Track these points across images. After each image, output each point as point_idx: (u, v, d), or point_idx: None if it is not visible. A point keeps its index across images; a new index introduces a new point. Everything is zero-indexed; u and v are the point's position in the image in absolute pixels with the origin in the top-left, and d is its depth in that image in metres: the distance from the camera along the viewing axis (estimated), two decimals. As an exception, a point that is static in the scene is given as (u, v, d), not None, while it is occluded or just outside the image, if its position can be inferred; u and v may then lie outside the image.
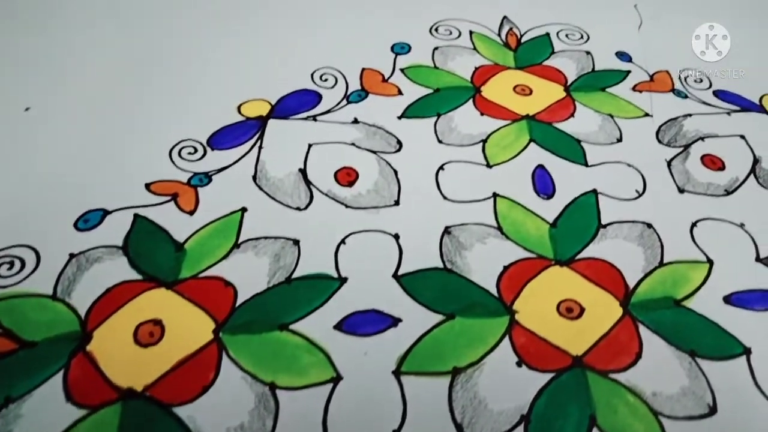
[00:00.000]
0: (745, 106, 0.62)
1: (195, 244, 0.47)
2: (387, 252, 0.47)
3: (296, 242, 0.47)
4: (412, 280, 0.46)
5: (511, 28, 0.69)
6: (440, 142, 0.56)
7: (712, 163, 0.56)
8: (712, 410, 0.40)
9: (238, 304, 0.43)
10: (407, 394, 0.40)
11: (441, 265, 0.46)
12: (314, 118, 0.58)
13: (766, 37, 0.71)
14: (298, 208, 0.50)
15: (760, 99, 0.63)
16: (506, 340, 0.42)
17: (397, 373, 0.41)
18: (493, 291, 0.45)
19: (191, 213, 0.49)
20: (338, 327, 0.42)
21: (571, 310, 0.44)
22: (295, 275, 0.45)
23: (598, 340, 0.42)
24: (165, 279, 0.44)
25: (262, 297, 0.44)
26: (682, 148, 0.57)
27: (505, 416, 0.39)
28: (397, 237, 0.48)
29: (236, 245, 0.47)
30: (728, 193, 0.54)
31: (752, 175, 0.55)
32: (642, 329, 0.43)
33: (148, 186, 0.51)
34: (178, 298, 0.44)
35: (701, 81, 0.64)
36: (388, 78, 0.62)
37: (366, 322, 0.43)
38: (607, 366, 0.41)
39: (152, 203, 0.50)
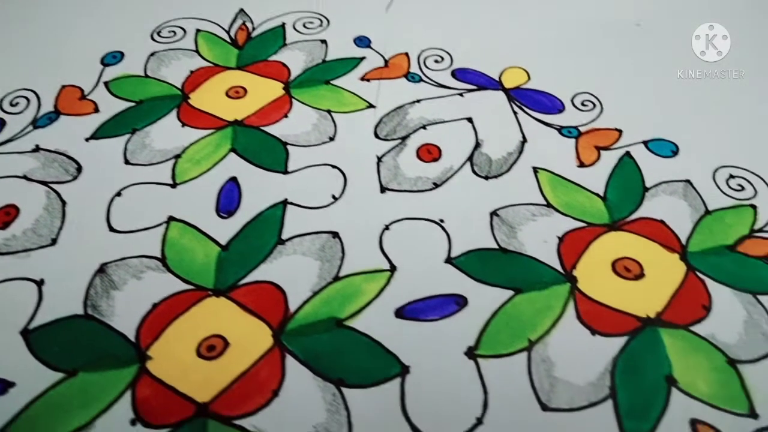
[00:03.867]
0: (482, 84, 0.58)
1: None
2: (28, 300, 0.42)
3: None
4: (45, 332, 0.40)
5: (244, 23, 0.63)
6: (127, 163, 0.51)
7: (428, 153, 0.52)
8: (345, 448, 0.36)
9: None
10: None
11: (82, 312, 0.42)
12: (-11, 150, 0.52)
13: (504, 8, 0.67)
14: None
15: (500, 74, 0.59)
16: (128, 393, 0.38)
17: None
18: (132, 335, 0.40)
19: None
20: None
21: (212, 348, 0.40)
22: None
23: (226, 387, 0.38)
24: None
25: None
26: (399, 140, 0.53)
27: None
28: (41, 283, 0.43)
29: None
30: (437, 186, 0.50)
31: (468, 163, 0.51)
32: (288, 360, 0.39)
33: None
34: None
35: (442, 60, 0.60)
36: (88, 94, 0.56)
37: None
38: (234, 411, 0.37)
39: None
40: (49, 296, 0.42)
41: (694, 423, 0.37)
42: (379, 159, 0.51)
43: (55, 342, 0.40)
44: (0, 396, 0.38)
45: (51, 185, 0.49)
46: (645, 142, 0.53)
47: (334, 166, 0.50)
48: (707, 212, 0.48)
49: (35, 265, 0.44)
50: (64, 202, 0.48)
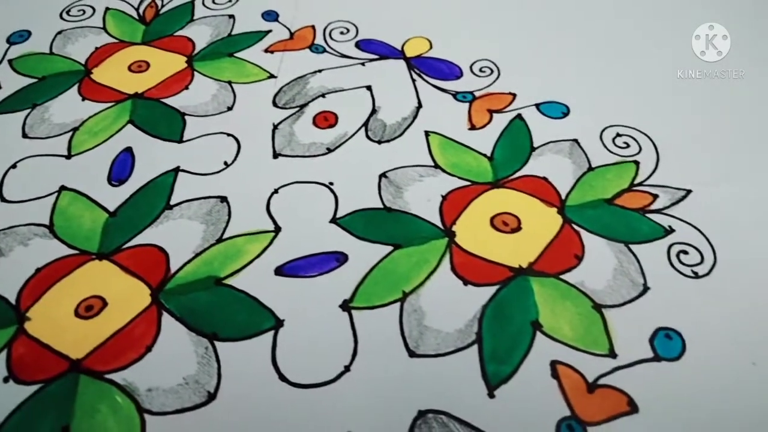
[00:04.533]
0: (384, 53, 0.59)
1: None
2: None
3: None
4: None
5: (153, 0, 0.64)
6: (25, 136, 0.51)
7: (325, 120, 0.53)
8: (211, 397, 0.37)
9: None
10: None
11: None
12: None
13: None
14: None
15: (403, 44, 0.60)
16: (3, 353, 0.39)
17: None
18: (12, 299, 0.41)
19: None
20: None
21: (90, 308, 0.41)
22: None
23: (101, 344, 0.39)
24: None
25: None
26: (297, 108, 0.54)
27: None
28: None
29: None
30: (330, 151, 0.51)
31: (363, 128, 0.52)
32: (165, 317, 0.40)
33: None
34: None
35: (347, 32, 0.61)
36: (-9, 72, 0.57)
37: None
38: (107, 366, 0.38)
39: None
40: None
41: (554, 364, 0.39)
42: (275, 126, 0.52)
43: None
44: None
45: (-56, 160, 0.49)
46: (537, 105, 0.54)
47: (229, 135, 0.51)
48: (590, 169, 0.50)
49: None
50: (-44, 177, 0.48)
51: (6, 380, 0.37)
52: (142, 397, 0.37)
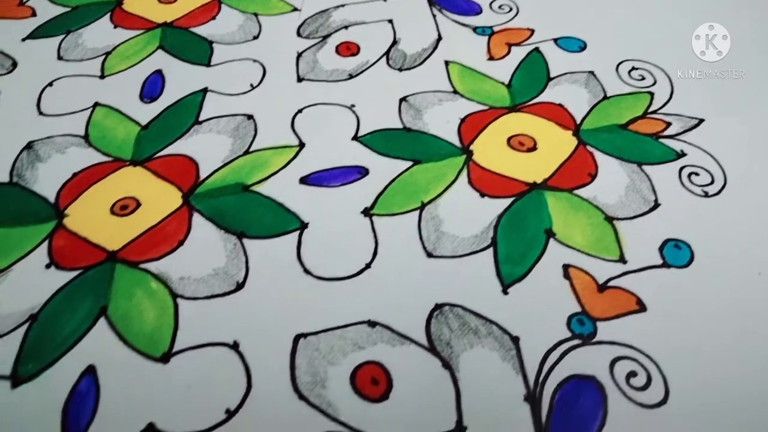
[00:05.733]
0: (406, -10, 0.60)
1: None
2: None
3: None
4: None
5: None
6: (60, 59, 0.54)
7: (347, 49, 0.55)
8: (240, 286, 0.39)
9: None
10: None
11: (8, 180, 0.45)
12: (-74, 50, 0.54)
13: None
14: None
15: (424, -18, 0.61)
16: (45, 244, 0.41)
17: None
18: (52, 198, 0.43)
19: None
20: None
21: (125, 208, 0.43)
22: None
23: (136, 238, 0.41)
24: None
25: None
26: (320, 39, 0.56)
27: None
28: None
29: None
30: (352, 77, 0.52)
31: (384, 57, 0.54)
32: (195, 216, 0.42)
33: None
34: None
35: (370, -30, 0.62)
36: (26, 1, 0.58)
37: None
38: (142, 257, 0.40)
39: None
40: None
41: (567, 267, 0.41)
42: (299, 54, 0.54)
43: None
44: None
45: (-15, 78, 0.52)
46: (555, 39, 0.56)
47: (255, 60, 0.53)
48: (605, 98, 0.51)
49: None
50: (-3, 92, 0.51)
51: (48, 266, 0.40)
52: (175, 284, 0.39)
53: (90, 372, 0.35)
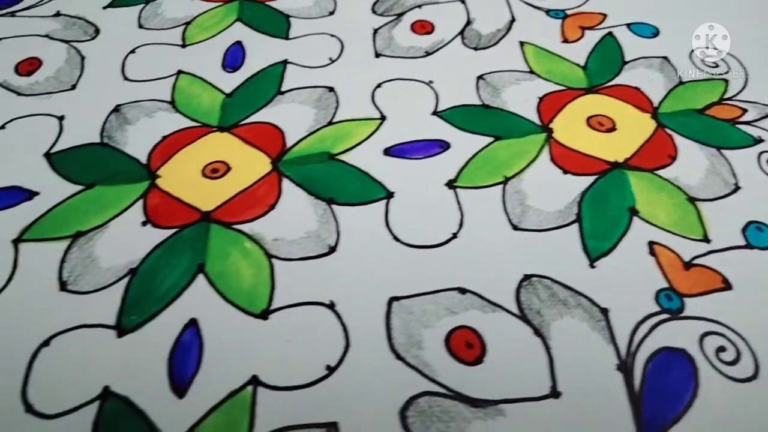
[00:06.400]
0: (477, -28, 0.61)
1: None
2: (50, 132, 0.46)
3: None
4: (66, 155, 0.45)
5: None
6: (141, 27, 0.54)
7: (422, 27, 0.55)
8: (332, 249, 0.40)
9: None
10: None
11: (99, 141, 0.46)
12: (12, 14, 0.55)
13: None
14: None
15: (494, -35, 0.61)
16: (140, 203, 0.42)
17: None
18: (143, 159, 0.44)
19: None
20: None
21: (216, 171, 0.44)
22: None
23: (228, 200, 0.42)
24: None
25: None
26: (395, 17, 0.56)
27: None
28: (61, 118, 0.47)
29: None
30: (428, 54, 0.53)
31: (459, 36, 0.55)
32: (285, 182, 0.43)
33: None
34: None
35: (440, -48, 0.63)
36: (106, -29, 0.60)
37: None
38: (235, 218, 0.41)
39: None
40: (69, 129, 0.46)
41: (652, 244, 0.41)
42: (375, 31, 0.55)
43: (75, 162, 0.44)
44: (27, 201, 0.42)
45: (71, 43, 0.53)
46: (628, 25, 0.56)
47: (332, 35, 0.54)
48: (681, 83, 0.51)
49: (56, 105, 0.48)
50: (83, 57, 0.52)
51: (144, 224, 0.41)
52: (269, 245, 0.40)
53: (192, 324, 0.36)
